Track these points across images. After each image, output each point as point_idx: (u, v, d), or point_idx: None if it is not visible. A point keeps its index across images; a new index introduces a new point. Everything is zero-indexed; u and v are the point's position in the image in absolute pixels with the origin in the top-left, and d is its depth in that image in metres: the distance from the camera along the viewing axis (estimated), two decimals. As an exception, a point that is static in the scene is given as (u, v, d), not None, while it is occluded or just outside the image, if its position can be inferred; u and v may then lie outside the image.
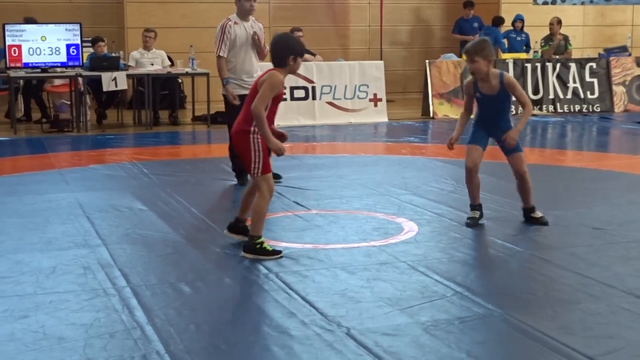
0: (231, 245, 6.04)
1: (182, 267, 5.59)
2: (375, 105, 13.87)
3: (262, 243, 5.74)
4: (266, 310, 4.73)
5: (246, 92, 8.12)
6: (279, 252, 5.77)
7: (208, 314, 4.67)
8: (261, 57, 8.62)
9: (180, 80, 14.58)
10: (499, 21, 16.24)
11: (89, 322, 4.52)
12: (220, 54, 8.34)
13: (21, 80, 13.11)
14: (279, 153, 5.65)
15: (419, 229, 6.54)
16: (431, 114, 14.19)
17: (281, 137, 5.81)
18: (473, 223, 6.65)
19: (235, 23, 8.39)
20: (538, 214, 6.68)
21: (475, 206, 6.75)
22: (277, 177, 8.64)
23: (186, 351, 4.10)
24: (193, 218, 6.99)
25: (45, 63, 12.37)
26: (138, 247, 6.06)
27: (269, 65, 5.84)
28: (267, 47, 8.46)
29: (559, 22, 16.14)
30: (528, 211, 6.71)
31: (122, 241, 6.21)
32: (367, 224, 6.75)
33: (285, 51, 5.71)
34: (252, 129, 5.70)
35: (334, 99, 13.68)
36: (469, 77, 6.41)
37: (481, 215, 6.74)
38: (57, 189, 8.16)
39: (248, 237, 5.79)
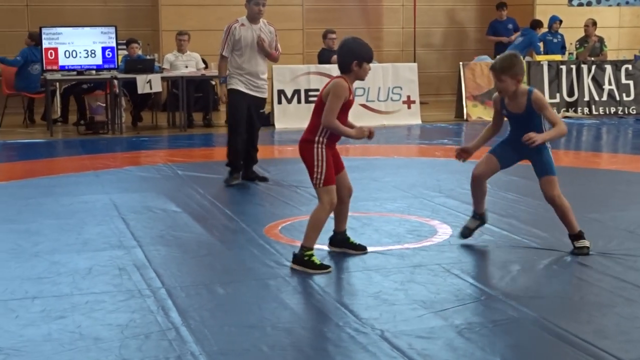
0: (263, 247, 6.06)
1: (216, 269, 5.62)
2: (409, 107, 13.85)
3: (311, 255, 5.52)
4: (300, 312, 4.75)
5: (252, 92, 8.49)
6: (327, 266, 5.52)
7: (242, 316, 4.69)
8: (272, 59, 8.87)
9: (213, 83, 14.65)
10: (537, 24, 16.13)
11: (124, 322, 4.56)
12: (223, 54, 8.58)
13: (57, 83, 13.25)
14: (369, 135, 5.62)
15: (453, 232, 6.52)
16: (465, 116, 14.15)
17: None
18: (466, 233, 6.24)
19: (242, 25, 8.54)
20: (581, 242, 5.91)
21: (477, 215, 6.28)
22: (263, 179, 8.73)
23: (220, 352, 4.13)
24: (227, 220, 7.02)
25: (81, 66, 12.49)
26: (172, 249, 6.10)
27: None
28: (279, 50, 8.71)
29: (594, 23, 16.03)
30: (572, 238, 5.96)
31: (157, 242, 6.26)
32: (400, 226, 6.74)
33: (348, 57, 5.54)
34: (316, 138, 5.61)
35: (367, 101, 13.68)
36: (496, 92, 6.12)
37: (481, 224, 6.28)
38: (93, 190, 8.24)
39: (300, 247, 5.63)
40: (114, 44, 12.63)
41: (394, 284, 5.21)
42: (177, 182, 8.69)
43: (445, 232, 6.53)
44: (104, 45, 12.58)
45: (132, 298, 4.98)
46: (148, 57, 13.86)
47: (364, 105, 13.63)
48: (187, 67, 13.64)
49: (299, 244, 6.06)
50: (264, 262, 5.72)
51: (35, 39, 13.34)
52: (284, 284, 5.26)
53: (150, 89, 12.60)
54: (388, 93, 13.77)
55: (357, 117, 13.46)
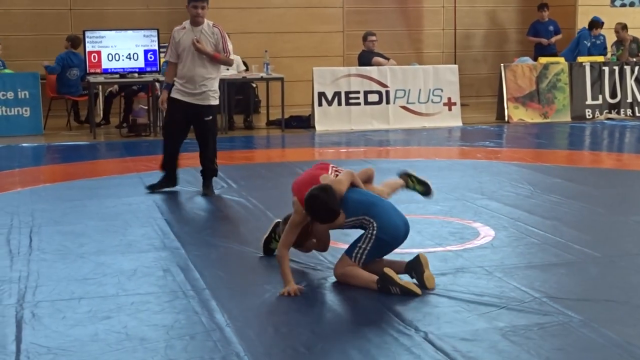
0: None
1: (259, 271, 5.65)
2: (450, 109, 13.80)
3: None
4: (342, 313, 4.76)
5: (189, 100, 8.02)
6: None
7: (286, 317, 4.72)
8: (221, 62, 8.22)
9: (254, 85, 14.70)
10: (593, 25, 15.97)
11: (169, 323, 4.61)
12: (166, 59, 8.36)
13: (100, 86, 13.38)
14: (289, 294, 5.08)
15: (496, 234, 6.49)
16: (506, 118, 14.05)
17: None
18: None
19: (184, 28, 8.18)
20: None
21: None
22: (205, 195, 8.23)
23: (265, 354, 4.15)
24: (269, 222, 7.02)
25: (123, 69, 12.60)
26: (215, 250, 6.14)
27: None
28: (229, 52, 8.18)
29: (624, 27, 15.92)
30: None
31: (200, 244, 6.29)
32: (443, 228, 6.73)
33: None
34: None
35: (407, 103, 13.64)
36: None
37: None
38: (136, 192, 8.31)
39: None
40: (156, 47, 12.71)
41: (437, 286, 5.19)
42: (219, 184, 8.73)
43: (487, 234, 6.50)
44: (146, 48, 12.66)
45: (176, 299, 5.03)
46: (189, 59, 13.92)
47: (404, 108, 13.60)
48: (228, 69, 13.68)
49: (343, 246, 6.08)
50: (307, 264, 5.73)
51: (74, 42, 13.49)
52: (326, 286, 5.26)
53: (192, 91, 12.64)
54: (429, 95, 13.72)
55: (398, 119, 13.50)
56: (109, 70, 12.58)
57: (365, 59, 14.22)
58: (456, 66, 14.33)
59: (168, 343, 4.31)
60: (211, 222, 7.02)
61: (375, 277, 5.08)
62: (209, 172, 8.37)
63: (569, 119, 14.19)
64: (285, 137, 12.79)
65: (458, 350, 4.15)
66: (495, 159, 10.35)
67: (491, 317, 4.63)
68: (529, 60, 14.97)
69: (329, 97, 13.38)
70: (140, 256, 5.95)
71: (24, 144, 11.68)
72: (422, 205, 7.55)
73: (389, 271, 5.08)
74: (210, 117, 8.27)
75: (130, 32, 12.81)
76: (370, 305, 4.87)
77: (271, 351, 4.19)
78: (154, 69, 12.69)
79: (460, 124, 13.72)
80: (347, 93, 13.44)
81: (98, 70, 12.53)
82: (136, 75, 12.72)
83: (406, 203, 7.60)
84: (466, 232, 6.61)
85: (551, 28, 16.67)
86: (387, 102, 13.55)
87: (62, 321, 4.67)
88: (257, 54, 14.51)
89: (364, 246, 5.24)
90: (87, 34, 12.52)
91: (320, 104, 13.36)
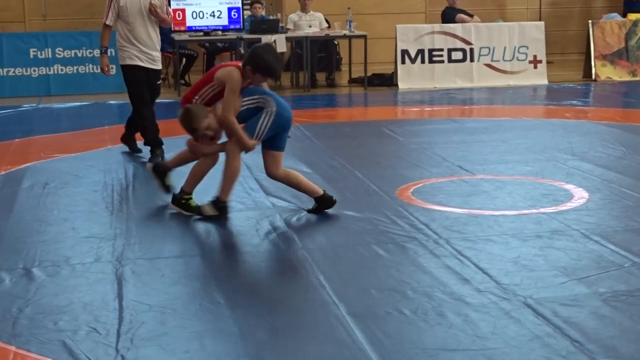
0: (397, 210, 6.06)
1: (352, 231, 5.64)
2: (535, 67, 13.55)
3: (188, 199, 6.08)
4: (439, 276, 4.73)
5: (145, 64, 7.88)
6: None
7: (382, 279, 4.70)
8: (166, 25, 8.35)
9: (336, 42, 14.63)
10: None
11: (266, 284, 4.64)
12: (106, 22, 7.95)
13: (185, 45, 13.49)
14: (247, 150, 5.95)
15: (590, 196, 6.37)
16: (593, 76, 13.74)
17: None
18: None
19: None
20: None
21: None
22: (138, 150, 8.33)
23: (364, 315, 4.15)
24: (358, 182, 7.03)
25: (207, 26, 12.65)
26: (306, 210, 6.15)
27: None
28: (170, 14, 8.16)
29: None
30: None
31: (291, 203, 6.30)
32: (534, 190, 6.63)
33: (250, 59, 5.83)
34: (195, 98, 6.01)
35: (492, 60, 13.43)
36: None
37: None
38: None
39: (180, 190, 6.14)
40: (239, 5, 12.73)
41: (533, 250, 5.13)
42: (305, 143, 8.75)
43: (581, 196, 6.39)
44: (230, 5, 12.69)
45: (271, 259, 5.07)
46: (271, 17, 13.93)
47: (488, 65, 13.40)
48: (310, 26, 13.65)
49: (432, 207, 6.07)
50: (399, 224, 5.71)
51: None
52: (420, 247, 5.24)
53: (275, 49, 12.65)
54: (514, 52, 13.49)
55: (483, 77, 13.32)
56: (193, 28, 12.65)
57: (449, 16, 14.03)
58: (542, 23, 14.03)
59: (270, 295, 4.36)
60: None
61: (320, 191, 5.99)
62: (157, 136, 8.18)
63: (658, 77, 13.84)
64: (367, 95, 12.73)
65: (559, 316, 4.09)
66: (584, 119, 10.15)
67: (590, 282, 4.56)
68: (617, 17, 14.59)
69: (412, 55, 13.25)
70: (234, 215, 5.99)
71: (111, 102, 11.85)
72: (511, 166, 7.46)
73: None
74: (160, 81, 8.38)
75: (213, -11, 12.83)
76: (466, 267, 4.83)
77: (370, 313, 4.17)
78: (237, 26, 12.72)
79: (546, 82, 13.47)
80: (430, 50, 13.29)
81: (182, 28, 12.60)
82: (220, 33, 12.77)
83: (494, 164, 7.54)
84: (559, 194, 6.50)
85: (641, -18, 16.20)
86: (471, 60, 13.37)
87: (161, 279, 4.74)
88: (338, 11, 14.42)
89: (265, 122, 5.80)
90: (172, -9, 12.58)
91: (403, 62, 13.24)
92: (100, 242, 5.40)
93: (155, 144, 8.09)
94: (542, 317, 4.09)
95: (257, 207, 6.24)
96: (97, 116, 10.75)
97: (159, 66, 8.16)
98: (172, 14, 8.22)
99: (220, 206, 5.92)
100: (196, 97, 5.98)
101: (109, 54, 8.33)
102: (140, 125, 8.17)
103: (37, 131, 9.69)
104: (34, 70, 12.66)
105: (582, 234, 5.42)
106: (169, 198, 6.23)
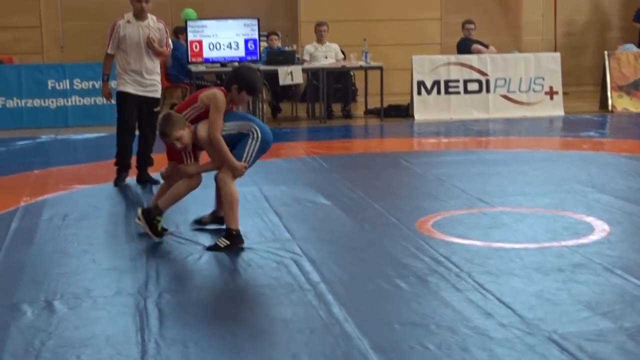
0: (417, 242, 6.04)
1: (372, 264, 5.62)
2: (551, 98, 13.55)
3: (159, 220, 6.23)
4: (461, 310, 4.69)
5: (140, 93, 8.25)
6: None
7: (404, 312, 4.68)
8: (163, 57, 8.81)
9: (352, 73, 14.68)
10: None
11: (288, 317, 4.63)
12: (108, 52, 8.33)
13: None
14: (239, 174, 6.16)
15: (611, 229, 6.34)
16: (610, 108, 13.74)
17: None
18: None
19: (128, 22, 8.25)
20: (224, 241, 6.01)
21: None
22: (155, 182, 8.25)
23: (389, 350, 4.13)
24: (377, 214, 7.01)
25: (224, 58, 12.71)
26: (326, 242, 6.14)
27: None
28: (170, 46, 8.48)
29: None
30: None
31: (311, 236, 6.31)
32: (555, 222, 6.60)
33: (233, 79, 6.10)
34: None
35: (508, 92, 13.46)
36: None
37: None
38: (243, 181, 8.26)
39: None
40: (256, 36, 12.80)
41: (555, 283, 5.10)
42: (323, 174, 8.75)
43: (602, 229, 6.35)
44: (246, 37, 12.76)
45: (292, 292, 5.04)
46: (287, 48, 14.00)
47: (504, 97, 13.42)
48: (326, 57, 13.71)
49: (453, 239, 6.05)
50: (420, 257, 5.69)
51: (175, 32, 13.74)
52: (442, 280, 5.22)
53: (292, 80, 12.73)
54: (530, 84, 13.51)
55: (499, 108, 13.32)
56: (210, 60, 12.71)
57: (464, 47, 14.07)
58: (558, 54, 14.07)
59: (289, 336, 4.33)
60: (319, 213, 7.01)
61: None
62: (148, 160, 8.52)
63: (675, 108, 13.81)
64: (384, 126, 12.75)
65: (584, 351, 4.06)
66: (603, 150, 10.13)
67: (615, 317, 4.52)
68: (633, 48, 14.61)
69: (428, 86, 13.29)
70: (253, 248, 5.98)
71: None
72: (531, 198, 7.44)
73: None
74: (158, 109, 8.56)
75: (230, 21, 12.92)
76: (489, 301, 4.80)
77: (394, 348, 4.15)
78: (254, 57, 12.78)
79: (562, 113, 13.47)
80: (446, 82, 13.33)
81: (199, 60, 12.67)
82: (237, 64, 12.81)
83: (514, 196, 7.52)
84: (580, 226, 6.47)
85: (657, 14, 16.24)
86: (487, 91, 13.40)
87: (184, 312, 4.73)
88: (353, 42, 14.48)
89: (252, 147, 6.06)
90: (190, 23, 12.68)
91: (419, 93, 13.28)
92: (121, 275, 5.41)
93: (123, 168, 8.43)
94: (567, 353, 4.05)
95: (276, 239, 6.23)
96: (114, 147, 10.74)
97: (153, 94, 8.41)
98: (171, 46, 8.57)
99: (232, 234, 5.92)
100: None
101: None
102: (117, 146, 8.45)
103: (55, 162, 9.74)
104: (52, 102, 12.76)
105: (604, 268, 5.39)
106: (186, 230, 6.24)
